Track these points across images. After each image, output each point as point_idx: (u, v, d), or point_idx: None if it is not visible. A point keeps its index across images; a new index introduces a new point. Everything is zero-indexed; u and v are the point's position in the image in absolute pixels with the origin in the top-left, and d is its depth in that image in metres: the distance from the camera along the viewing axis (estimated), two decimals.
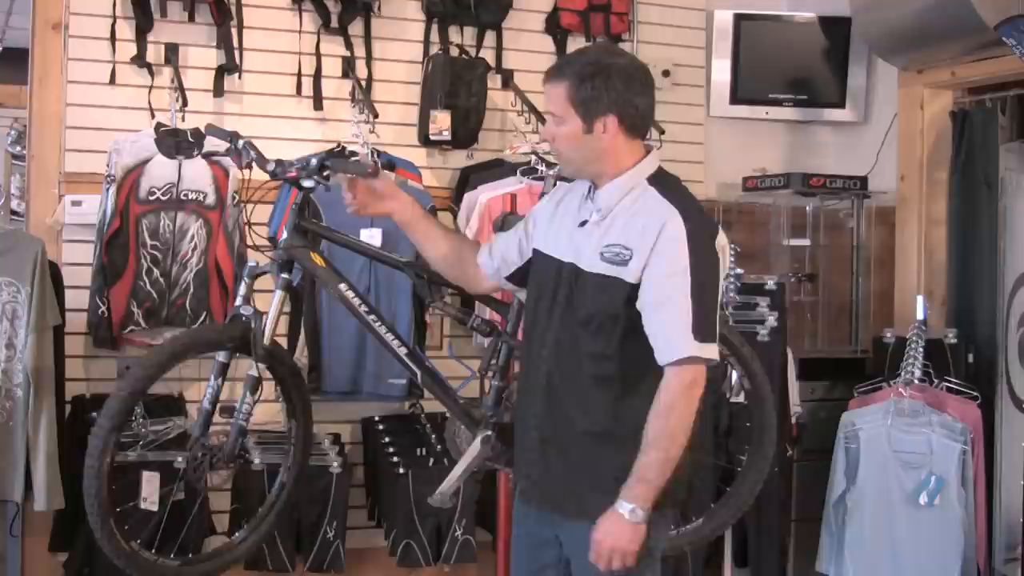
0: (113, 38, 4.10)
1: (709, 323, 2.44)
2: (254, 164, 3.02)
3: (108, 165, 3.92)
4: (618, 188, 2.52)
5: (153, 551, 3.06)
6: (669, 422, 2.41)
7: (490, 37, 4.60)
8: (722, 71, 4.98)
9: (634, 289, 2.45)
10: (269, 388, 3.84)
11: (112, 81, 4.11)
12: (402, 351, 3.06)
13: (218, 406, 3.01)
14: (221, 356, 3.02)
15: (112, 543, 2.93)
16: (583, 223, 2.55)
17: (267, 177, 3.06)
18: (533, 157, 4.27)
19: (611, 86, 2.47)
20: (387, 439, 4.21)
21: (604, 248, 2.48)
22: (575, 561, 2.58)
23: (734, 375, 3.84)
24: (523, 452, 2.66)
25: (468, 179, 4.41)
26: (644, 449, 2.42)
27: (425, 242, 2.86)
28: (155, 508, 3.68)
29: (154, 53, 4.14)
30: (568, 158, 2.57)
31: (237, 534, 3.30)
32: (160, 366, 2.97)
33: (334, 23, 4.36)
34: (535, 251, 2.67)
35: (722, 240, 2.58)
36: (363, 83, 4.35)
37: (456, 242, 2.92)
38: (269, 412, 4.03)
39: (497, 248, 2.80)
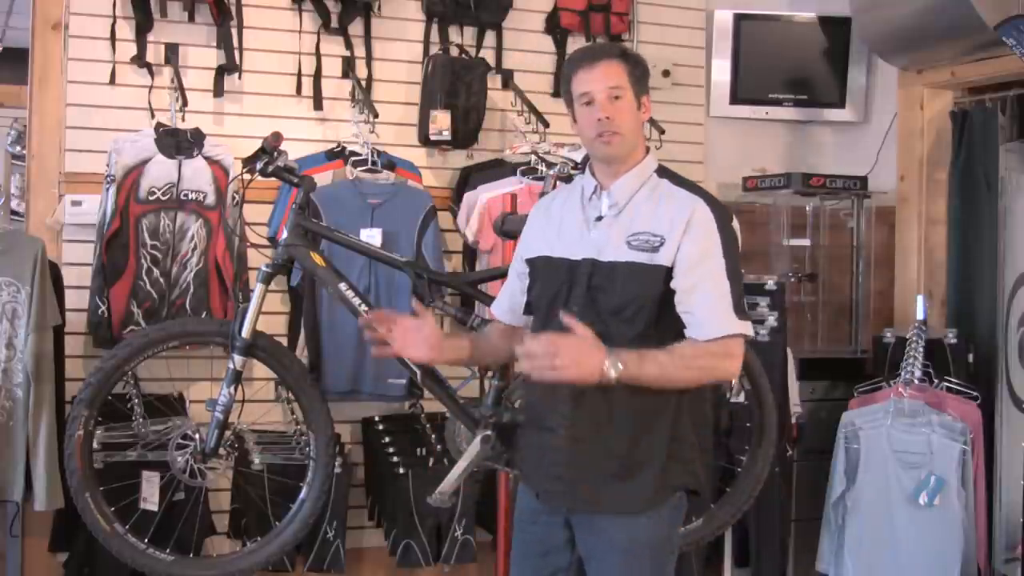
0: (113, 38, 4.09)
1: (743, 301, 2.55)
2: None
3: (108, 165, 3.92)
4: (632, 180, 2.60)
5: (146, 542, 3.07)
6: (691, 365, 2.49)
7: (490, 37, 4.59)
8: (722, 71, 4.98)
9: (668, 272, 2.51)
10: (269, 388, 3.90)
11: (112, 81, 4.11)
12: None
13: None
14: (232, 362, 3.03)
15: (89, 515, 2.94)
16: (599, 218, 2.59)
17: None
18: (533, 157, 4.27)
19: (646, 70, 2.64)
20: (387, 439, 4.21)
21: (631, 237, 2.54)
22: (595, 558, 2.58)
23: None
24: (546, 454, 2.60)
25: (468, 179, 4.40)
26: (664, 352, 2.46)
27: (499, 352, 2.88)
28: (155, 508, 3.69)
29: (154, 53, 4.14)
30: (626, 132, 2.59)
31: (248, 545, 3.28)
32: (140, 348, 3.01)
33: (334, 23, 4.36)
34: (532, 260, 2.69)
35: (735, 223, 2.67)
36: (363, 83, 4.35)
37: (497, 328, 2.89)
38: (275, 413, 4.06)
39: (504, 293, 2.84)
